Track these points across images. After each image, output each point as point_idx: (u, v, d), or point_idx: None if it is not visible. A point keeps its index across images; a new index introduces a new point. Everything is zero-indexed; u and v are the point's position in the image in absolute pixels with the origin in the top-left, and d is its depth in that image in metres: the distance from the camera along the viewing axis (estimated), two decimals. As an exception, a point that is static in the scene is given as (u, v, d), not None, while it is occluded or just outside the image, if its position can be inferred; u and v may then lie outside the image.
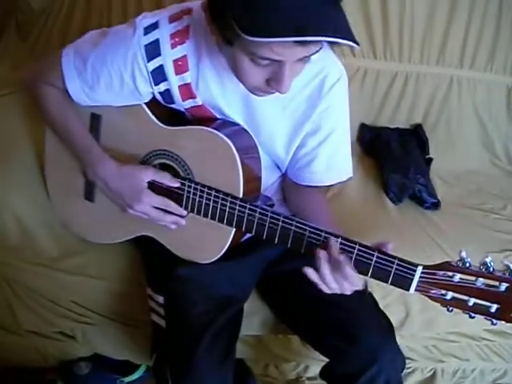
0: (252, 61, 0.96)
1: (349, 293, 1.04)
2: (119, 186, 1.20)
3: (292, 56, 0.92)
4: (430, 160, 2.01)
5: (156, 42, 1.12)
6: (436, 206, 1.82)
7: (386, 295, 1.46)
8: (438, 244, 1.64)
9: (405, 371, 1.32)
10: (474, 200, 1.92)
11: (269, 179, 1.33)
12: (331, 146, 1.24)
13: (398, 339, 1.25)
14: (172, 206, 1.19)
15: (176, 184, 1.18)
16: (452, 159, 2.06)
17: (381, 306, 1.31)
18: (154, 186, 1.20)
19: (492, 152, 2.10)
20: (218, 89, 1.17)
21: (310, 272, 1.03)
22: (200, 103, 1.20)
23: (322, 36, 0.85)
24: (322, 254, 1.01)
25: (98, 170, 1.21)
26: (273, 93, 1.03)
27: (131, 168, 1.20)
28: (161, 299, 1.26)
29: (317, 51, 0.94)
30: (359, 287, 1.04)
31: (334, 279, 1.02)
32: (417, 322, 1.52)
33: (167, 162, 1.21)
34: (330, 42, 0.91)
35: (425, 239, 1.67)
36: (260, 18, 0.86)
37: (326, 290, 1.04)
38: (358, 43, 0.88)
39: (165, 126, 1.20)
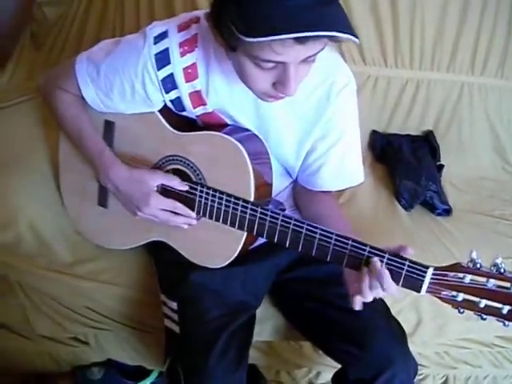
0: (256, 65, 0.96)
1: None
2: (129, 189, 1.21)
3: (294, 56, 0.92)
4: (442, 166, 2.01)
5: (165, 50, 1.14)
6: (448, 212, 1.82)
7: (397, 301, 1.45)
8: (449, 250, 1.65)
9: (417, 378, 1.31)
10: (485, 206, 1.91)
11: (280, 185, 1.34)
12: (341, 151, 1.24)
13: (409, 346, 1.25)
14: (180, 207, 1.20)
15: (185, 187, 1.20)
16: (463, 165, 2.06)
17: (393, 313, 1.31)
18: (167, 191, 1.21)
19: (503, 158, 2.10)
20: (227, 95, 1.18)
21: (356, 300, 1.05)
22: (210, 110, 1.21)
23: (320, 31, 0.85)
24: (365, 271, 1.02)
25: (109, 174, 1.23)
26: (282, 97, 1.04)
27: (141, 172, 1.22)
28: (174, 305, 1.26)
29: (319, 51, 0.95)
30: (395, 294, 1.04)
31: (371, 291, 1.02)
32: (428, 328, 1.52)
33: (180, 167, 1.22)
34: (330, 39, 0.92)
35: (437, 246, 1.67)
36: (257, 19, 0.87)
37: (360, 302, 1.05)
38: (357, 37, 0.88)
39: (177, 132, 1.21)
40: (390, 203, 1.85)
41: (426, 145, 2.03)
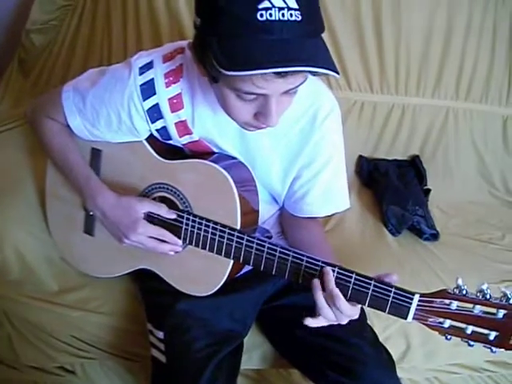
0: (238, 97, 0.96)
1: (345, 322, 1.04)
2: (116, 216, 1.20)
3: (275, 89, 0.92)
4: (429, 191, 2.02)
5: (151, 81, 1.14)
6: (435, 237, 1.83)
7: (386, 328, 1.45)
8: (437, 275, 1.65)
9: (407, 403, 1.31)
10: (472, 230, 1.92)
11: (266, 213, 1.34)
12: (327, 177, 1.24)
13: (399, 371, 1.25)
14: (167, 235, 1.19)
15: (172, 216, 1.19)
16: (450, 190, 2.08)
17: (381, 339, 1.31)
18: (153, 218, 1.21)
19: (490, 182, 2.12)
20: (212, 124, 1.19)
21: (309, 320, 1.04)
22: (196, 139, 1.22)
23: (300, 66, 0.86)
24: (316, 283, 1.02)
25: (97, 200, 1.22)
26: (264, 127, 1.03)
27: (129, 199, 1.21)
28: (161, 334, 1.25)
29: (300, 83, 0.95)
30: (355, 317, 1.04)
31: (331, 310, 1.02)
32: (418, 354, 1.51)
33: (166, 195, 1.22)
34: (312, 73, 0.93)
35: (425, 271, 1.67)
36: (238, 52, 0.87)
37: (324, 322, 1.04)
38: (338, 72, 0.89)
39: (163, 160, 1.22)
40: (378, 228, 1.85)
41: (413, 169, 2.05)
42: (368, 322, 1.33)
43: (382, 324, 1.43)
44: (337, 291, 1.00)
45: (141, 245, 1.20)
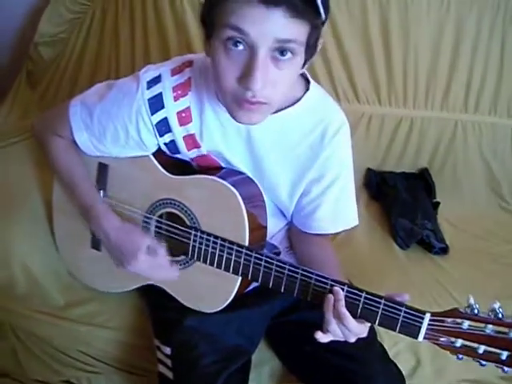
0: (226, 50, 0.94)
1: (353, 340, 1.03)
2: (119, 240, 1.20)
3: (262, 31, 0.90)
4: (438, 204, 2.01)
5: (159, 95, 1.14)
6: (444, 251, 1.81)
7: (395, 344, 1.44)
8: (447, 290, 1.63)
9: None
10: (482, 244, 1.91)
11: (275, 227, 1.33)
12: (336, 193, 1.23)
13: (409, 388, 1.24)
14: (165, 263, 1.20)
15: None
16: (459, 203, 2.06)
17: (390, 355, 1.30)
18: (161, 233, 1.21)
19: (499, 195, 2.10)
20: (221, 137, 1.19)
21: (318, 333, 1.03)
22: (205, 152, 1.21)
23: None
24: (329, 299, 1.01)
25: (101, 223, 1.22)
26: (248, 97, 0.96)
27: (133, 225, 1.22)
28: (168, 350, 1.24)
29: (289, 40, 0.92)
30: (363, 335, 1.03)
31: (338, 328, 1.01)
32: (428, 370, 1.49)
33: (174, 210, 1.21)
34: (295, 12, 0.90)
35: (434, 285, 1.65)
36: None
37: (332, 337, 1.03)
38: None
39: (171, 176, 1.21)
40: (386, 242, 1.84)
41: (422, 182, 2.04)
42: (378, 337, 1.32)
43: (391, 340, 1.41)
44: (345, 312, 0.99)
45: (141, 272, 1.20)
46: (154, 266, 1.19)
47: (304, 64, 1.03)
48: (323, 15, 0.93)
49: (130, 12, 1.92)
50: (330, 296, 1.01)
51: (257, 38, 0.91)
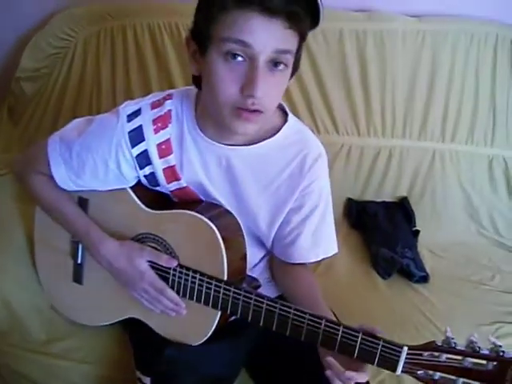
0: (225, 62, 0.97)
1: None
2: (121, 265, 1.20)
3: (262, 42, 0.94)
4: (418, 232, 2.03)
5: (139, 128, 1.15)
6: (425, 279, 1.82)
7: (378, 373, 1.42)
8: (428, 319, 1.64)
9: None
10: (462, 271, 1.92)
11: (255, 257, 1.34)
12: (315, 221, 1.25)
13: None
14: (169, 295, 1.19)
15: (174, 263, 1.17)
16: (439, 231, 2.08)
17: None
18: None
19: (478, 222, 2.12)
20: (201, 168, 1.20)
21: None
22: (184, 185, 1.22)
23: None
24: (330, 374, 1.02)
25: (100, 250, 1.22)
26: (249, 104, 0.99)
27: (129, 247, 1.21)
28: (148, 380, 1.22)
29: (287, 49, 0.97)
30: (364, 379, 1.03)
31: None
32: (411, 398, 1.49)
33: (153, 244, 1.21)
34: (294, 24, 0.94)
35: (415, 314, 1.66)
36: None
37: None
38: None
39: (150, 210, 1.21)
40: (367, 271, 1.85)
41: (401, 211, 2.05)
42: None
43: (374, 368, 1.41)
44: (353, 375, 0.99)
45: (145, 293, 1.20)
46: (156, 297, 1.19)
47: (290, 77, 1.06)
48: (320, 21, 0.97)
49: (112, 48, 1.94)
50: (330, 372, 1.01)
51: (258, 48, 0.95)
